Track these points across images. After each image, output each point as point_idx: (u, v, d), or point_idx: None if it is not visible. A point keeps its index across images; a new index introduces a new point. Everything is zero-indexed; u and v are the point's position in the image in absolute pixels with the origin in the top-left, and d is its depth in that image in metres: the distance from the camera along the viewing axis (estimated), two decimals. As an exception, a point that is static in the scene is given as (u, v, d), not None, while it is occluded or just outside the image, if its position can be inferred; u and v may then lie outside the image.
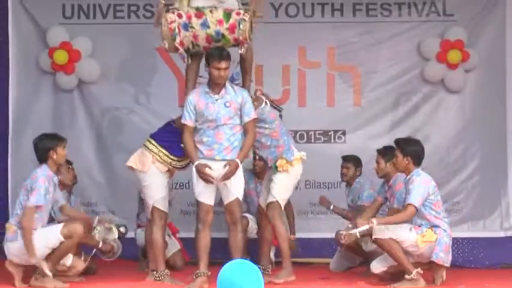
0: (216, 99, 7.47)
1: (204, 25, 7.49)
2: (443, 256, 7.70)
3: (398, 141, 8.02)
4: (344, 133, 10.11)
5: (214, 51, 7.51)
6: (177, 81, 9.92)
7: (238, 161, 7.41)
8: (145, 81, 10.09)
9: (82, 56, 10.00)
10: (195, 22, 7.50)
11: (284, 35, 10.01)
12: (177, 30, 7.53)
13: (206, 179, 7.36)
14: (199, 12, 7.52)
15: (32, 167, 7.94)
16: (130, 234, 8.89)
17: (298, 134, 9.99)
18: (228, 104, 7.47)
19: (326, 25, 10.22)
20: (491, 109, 10.08)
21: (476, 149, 10.06)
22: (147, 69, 10.08)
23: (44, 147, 7.73)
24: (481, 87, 10.09)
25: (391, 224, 7.65)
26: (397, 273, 7.78)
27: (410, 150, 7.86)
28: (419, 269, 7.63)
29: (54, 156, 7.70)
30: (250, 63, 7.92)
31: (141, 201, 8.97)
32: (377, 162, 8.63)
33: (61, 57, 9.92)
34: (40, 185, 7.51)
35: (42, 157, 7.71)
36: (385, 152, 8.53)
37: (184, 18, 7.51)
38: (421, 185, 7.68)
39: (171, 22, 7.52)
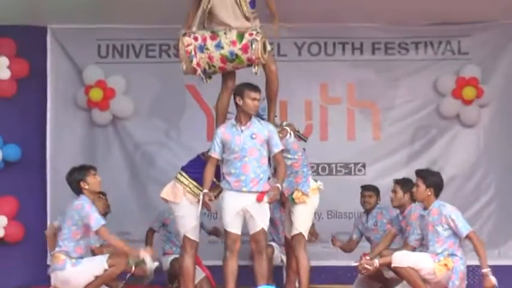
0: (242, 131, 7.43)
1: (218, 46, 7.48)
2: (459, 284, 7.63)
3: (420, 172, 7.92)
4: (364, 166, 10.17)
5: (248, 85, 7.51)
6: (205, 116, 10.02)
7: (279, 185, 7.38)
8: (175, 117, 10.17)
9: (116, 93, 10.10)
10: (210, 44, 7.50)
11: (307, 73, 10.12)
12: (193, 52, 7.52)
13: (206, 206, 7.43)
14: (213, 34, 7.53)
15: (69, 198, 7.91)
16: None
17: (320, 166, 10.05)
18: (254, 136, 7.41)
19: (346, 63, 10.31)
20: (504, 142, 10.14)
21: (490, 181, 10.09)
22: (177, 105, 10.17)
23: (75, 180, 7.74)
24: (494, 121, 10.18)
25: (483, 257, 7.64)
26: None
27: (433, 181, 7.77)
28: None
29: (86, 186, 7.70)
30: (275, 91, 7.84)
31: (166, 232, 9.17)
32: (394, 191, 8.54)
33: (96, 94, 10.02)
34: (89, 210, 7.55)
35: (76, 190, 7.74)
36: (403, 183, 8.47)
37: (199, 41, 7.51)
38: (458, 215, 7.64)
39: (188, 45, 7.53)
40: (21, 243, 9.91)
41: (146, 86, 10.23)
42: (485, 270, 7.48)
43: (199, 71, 7.60)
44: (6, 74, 9.99)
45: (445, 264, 7.55)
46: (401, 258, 7.59)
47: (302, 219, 7.81)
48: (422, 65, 10.22)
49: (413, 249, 7.84)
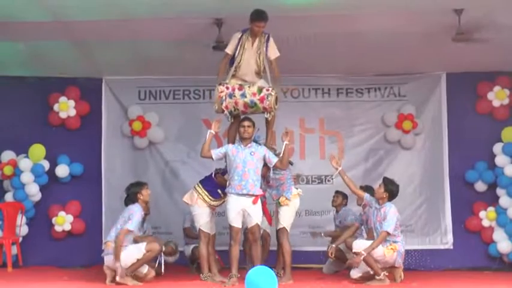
0: (244, 149, 7.52)
1: (243, 95, 7.55)
2: (401, 261, 7.76)
3: (385, 179, 7.96)
4: (332, 177, 9.81)
5: (243, 116, 7.67)
6: (216, 142, 9.47)
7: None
8: (194, 142, 9.90)
9: (152, 125, 10.10)
10: (237, 93, 7.55)
11: (290, 110, 9.91)
12: (224, 97, 7.57)
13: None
14: (240, 86, 7.58)
15: (118, 202, 8.02)
16: (180, 249, 9.02)
17: (300, 178, 9.88)
18: (252, 153, 7.51)
19: (318, 103, 10.22)
20: (432, 160, 10.08)
21: (422, 188, 10.01)
22: (195, 133, 9.99)
23: (134, 192, 7.82)
24: (425, 145, 10.13)
25: (375, 248, 7.58)
26: (369, 277, 7.74)
27: (390, 189, 7.83)
28: (385, 272, 7.67)
29: (141, 197, 7.79)
30: (272, 123, 7.91)
31: (187, 227, 9.03)
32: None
33: (137, 126, 10.03)
34: (137, 219, 7.62)
35: (134, 199, 7.79)
36: (366, 188, 8.56)
37: (230, 90, 7.57)
38: (394, 216, 7.68)
39: (221, 92, 7.57)
40: (83, 235, 9.95)
41: (173, 119, 10.21)
42: (364, 252, 7.52)
43: (226, 112, 7.64)
44: (73, 112, 10.07)
45: (392, 249, 7.64)
46: (359, 246, 7.67)
47: (285, 217, 7.86)
48: (373, 104, 10.16)
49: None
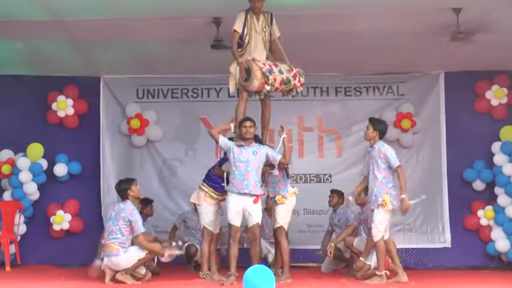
0: (246, 149, 7.51)
1: (280, 72, 7.39)
2: (395, 203, 7.59)
3: (372, 119, 7.90)
4: (330, 176, 10.12)
5: (243, 117, 7.58)
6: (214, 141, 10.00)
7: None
8: (192, 141, 10.13)
9: (150, 123, 10.19)
10: (275, 69, 7.37)
11: (288, 109, 9.85)
12: (267, 73, 7.30)
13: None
14: (274, 63, 7.46)
15: (116, 201, 8.05)
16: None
17: (298, 176, 9.95)
18: (255, 153, 7.51)
19: (317, 101, 10.29)
20: (430, 159, 10.11)
21: (421, 187, 9.83)
22: (193, 132, 10.14)
23: (123, 189, 7.83)
24: (423, 144, 10.16)
25: (403, 186, 7.52)
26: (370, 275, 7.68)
27: (379, 127, 7.77)
28: (387, 272, 7.65)
29: (131, 193, 7.79)
30: (268, 120, 7.92)
31: (186, 227, 9.14)
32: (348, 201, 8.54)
33: (135, 124, 10.12)
34: (138, 217, 7.68)
35: (124, 195, 7.83)
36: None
37: (267, 66, 7.36)
38: (392, 151, 7.63)
39: (261, 68, 7.29)
40: (82, 234, 10.01)
41: (171, 118, 10.27)
42: (403, 196, 7.54)
43: (266, 88, 7.37)
44: (71, 111, 10.17)
45: (384, 201, 7.52)
46: (376, 234, 7.58)
47: (282, 215, 7.86)
48: (371, 103, 10.16)
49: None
